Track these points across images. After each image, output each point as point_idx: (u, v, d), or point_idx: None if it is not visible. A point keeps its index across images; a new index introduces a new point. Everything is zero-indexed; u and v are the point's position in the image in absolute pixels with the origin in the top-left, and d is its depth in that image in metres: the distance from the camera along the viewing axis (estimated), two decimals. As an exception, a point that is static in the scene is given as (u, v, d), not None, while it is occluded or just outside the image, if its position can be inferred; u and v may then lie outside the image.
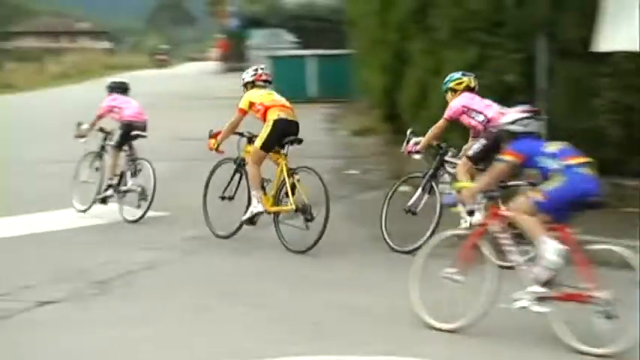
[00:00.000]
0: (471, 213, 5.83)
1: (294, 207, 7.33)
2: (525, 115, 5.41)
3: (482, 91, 7.19)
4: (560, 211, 5.11)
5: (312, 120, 19.35)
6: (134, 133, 9.30)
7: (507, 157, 5.28)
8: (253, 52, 31.05)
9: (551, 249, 4.98)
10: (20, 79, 43.29)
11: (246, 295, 5.94)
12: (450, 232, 5.56)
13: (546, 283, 4.97)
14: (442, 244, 5.44)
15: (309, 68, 24.30)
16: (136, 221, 8.41)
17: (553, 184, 5.11)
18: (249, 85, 8.66)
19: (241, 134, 8.17)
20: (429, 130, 7.30)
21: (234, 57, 50.10)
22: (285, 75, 24.42)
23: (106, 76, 48.68)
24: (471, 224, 5.96)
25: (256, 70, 8.93)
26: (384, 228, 7.38)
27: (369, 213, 8.82)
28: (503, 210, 5.37)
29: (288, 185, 7.60)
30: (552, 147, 5.29)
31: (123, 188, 8.79)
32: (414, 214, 7.21)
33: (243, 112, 8.34)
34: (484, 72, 8.04)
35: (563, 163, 5.16)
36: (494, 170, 5.43)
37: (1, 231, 8.16)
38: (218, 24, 68.70)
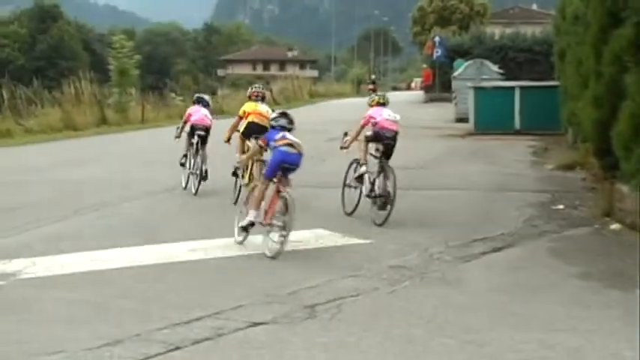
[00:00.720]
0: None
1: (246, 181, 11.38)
2: (277, 115, 9.21)
3: None
4: (275, 171, 8.63)
5: (517, 152, 19.14)
6: (197, 132, 12.98)
7: (259, 141, 9.25)
8: (458, 82, 30.92)
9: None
10: (231, 104, 45.32)
11: (453, 329, 5.88)
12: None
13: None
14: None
15: (515, 100, 23.93)
16: None
17: (269, 157, 8.93)
18: (248, 99, 12.67)
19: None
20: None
21: (439, 87, 50.23)
22: (489, 106, 24.31)
23: (310, 103, 50.20)
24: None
25: (252, 88, 12.93)
26: None
27: (577, 249, 8.60)
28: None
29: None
30: (277, 135, 8.78)
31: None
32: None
33: (240, 117, 12.37)
34: None
35: (274, 144, 8.69)
36: (252, 149, 10.05)
37: (217, 252, 8.55)
38: (422, 54, 69.07)
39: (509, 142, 21.93)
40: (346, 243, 9.00)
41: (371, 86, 70.78)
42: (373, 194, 10.52)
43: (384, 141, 10.87)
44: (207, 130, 13.07)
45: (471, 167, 16.44)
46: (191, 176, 12.96)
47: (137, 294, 6.86)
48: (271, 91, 54.13)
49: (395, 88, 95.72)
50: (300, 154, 8.73)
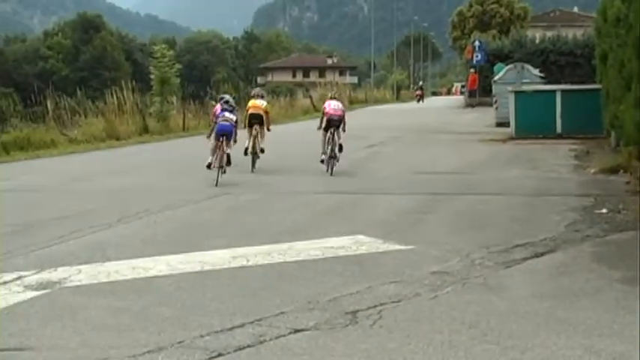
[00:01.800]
0: None
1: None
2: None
3: None
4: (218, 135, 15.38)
5: (559, 156, 19.02)
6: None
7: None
8: (498, 86, 30.77)
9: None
10: (271, 112, 45.46)
11: (496, 335, 5.85)
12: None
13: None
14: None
15: (556, 103, 23.77)
16: None
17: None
18: (251, 97, 19.10)
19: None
20: None
21: (479, 91, 49.98)
22: (530, 110, 24.18)
23: (350, 109, 50.40)
24: None
25: (253, 90, 19.62)
26: None
27: (621, 254, 8.50)
28: None
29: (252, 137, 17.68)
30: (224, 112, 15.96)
31: None
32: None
33: (246, 111, 18.38)
34: None
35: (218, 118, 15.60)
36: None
37: (258, 258, 8.59)
38: (462, 59, 68.78)
39: (550, 146, 21.79)
40: (387, 249, 8.99)
41: (419, 92, 74.40)
42: (326, 157, 16.80)
43: (332, 122, 17.03)
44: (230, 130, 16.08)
45: (512, 172, 16.36)
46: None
47: (178, 301, 6.91)
48: (311, 98, 54.32)
49: (435, 93, 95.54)
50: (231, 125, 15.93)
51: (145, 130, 31.50)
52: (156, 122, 33.00)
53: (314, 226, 10.55)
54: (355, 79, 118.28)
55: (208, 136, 16.41)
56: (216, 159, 15.31)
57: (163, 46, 36.79)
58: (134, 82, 34.42)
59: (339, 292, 7.08)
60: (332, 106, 17.25)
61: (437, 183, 14.76)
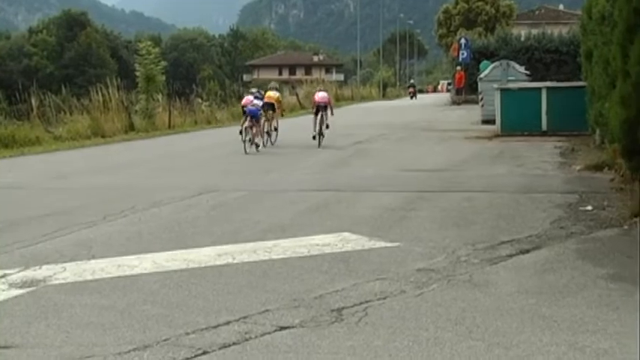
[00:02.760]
0: None
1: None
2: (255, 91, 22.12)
3: None
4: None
5: (544, 153, 19.07)
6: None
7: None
8: (484, 84, 30.85)
9: None
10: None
11: (481, 332, 5.86)
12: None
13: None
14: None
15: (542, 101, 23.85)
16: None
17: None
18: (268, 89, 24.72)
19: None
20: None
21: (465, 89, 50.10)
22: (516, 107, 24.25)
23: (336, 107, 50.34)
24: None
25: (269, 85, 25.24)
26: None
27: (606, 251, 8.53)
28: None
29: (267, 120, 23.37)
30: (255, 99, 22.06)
31: None
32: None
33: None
34: None
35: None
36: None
37: (244, 256, 8.58)
38: (448, 56, 68.90)
39: (536, 143, 21.87)
40: (373, 246, 8.99)
41: (411, 89, 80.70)
42: (316, 134, 22.91)
43: (319, 107, 23.33)
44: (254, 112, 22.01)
45: (497, 169, 16.39)
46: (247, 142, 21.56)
47: (164, 299, 6.90)
48: (297, 95, 54.32)
49: (421, 91, 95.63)
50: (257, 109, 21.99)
51: (131, 127, 31.43)
52: (141, 120, 32.94)
53: (300, 223, 10.54)
54: (341, 77, 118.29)
55: (242, 124, 22.48)
56: (247, 135, 21.68)
57: (149, 43, 36.69)
58: (119, 80, 34.29)
59: (324, 289, 7.08)
60: (319, 95, 24.24)
61: (423, 180, 14.78)
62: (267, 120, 23.46)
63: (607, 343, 5.56)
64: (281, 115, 25.01)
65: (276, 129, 24.18)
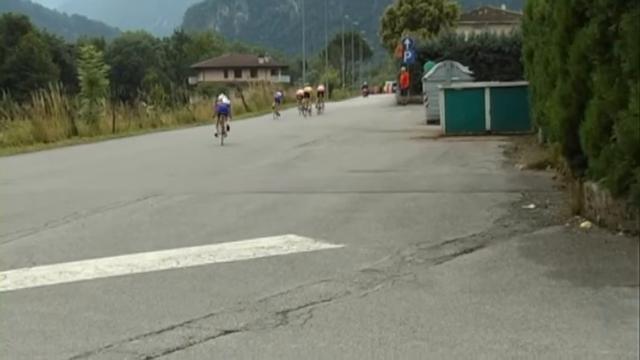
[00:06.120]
0: None
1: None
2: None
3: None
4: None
5: (488, 153, 19.28)
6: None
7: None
8: (428, 84, 31.08)
9: None
10: (203, 112, 45.27)
11: (425, 331, 5.89)
12: None
13: None
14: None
15: (485, 100, 24.10)
16: None
17: None
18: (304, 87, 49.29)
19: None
20: None
21: (410, 89, 50.41)
22: (460, 107, 24.48)
23: (282, 109, 50.22)
24: None
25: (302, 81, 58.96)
26: None
27: (548, 248, 8.64)
28: None
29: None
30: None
31: None
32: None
33: None
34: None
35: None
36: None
37: (188, 260, 8.52)
38: (393, 57, 69.27)
39: (480, 142, 22.08)
40: (318, 248, 8.98)
41: (364, 89, 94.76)
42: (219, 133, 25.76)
43: (220, 111, 26.76)
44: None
45: (442, 169, 16.51)
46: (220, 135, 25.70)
47: (107, 305, 6.81)
48: (243, 97, 54.15)
49: (367, 92, 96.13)
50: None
51: (74, 132, 31.07)
52: (85, 124, 32.58)
53: (245, 226, 10.50)
54: (287, 79, 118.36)
55: (213, 117, 28.87)
56: (219, 128, 26.14)
57: (91, 46, 36.35)
58: (62, 84, 33.86)
59: (269, 292, 7.06)
60: (224, 101, 27.97)
61: (368, 181, 14.83)
62: (303, 104, 47.39)
63: (548, 340, 5.62)
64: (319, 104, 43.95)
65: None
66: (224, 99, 28.29)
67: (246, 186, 14.57)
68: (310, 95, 49.80)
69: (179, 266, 8.28)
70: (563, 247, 8.61)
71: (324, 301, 6.75)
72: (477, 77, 34.04)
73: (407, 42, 51.49)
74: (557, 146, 13.20)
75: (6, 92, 37.92)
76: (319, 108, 49.36)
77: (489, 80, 32.63)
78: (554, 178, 13.71)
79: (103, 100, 34.95)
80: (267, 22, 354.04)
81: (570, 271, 7.54)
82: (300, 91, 50.65)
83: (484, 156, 18.66)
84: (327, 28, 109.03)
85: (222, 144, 25.11)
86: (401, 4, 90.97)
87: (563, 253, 8.36)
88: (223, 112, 26.89)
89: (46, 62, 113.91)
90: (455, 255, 8.44)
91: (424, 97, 32.33)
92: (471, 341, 5.65)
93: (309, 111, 47.04)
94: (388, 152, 21.02)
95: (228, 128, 26.23)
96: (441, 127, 25.70)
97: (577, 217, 10.01)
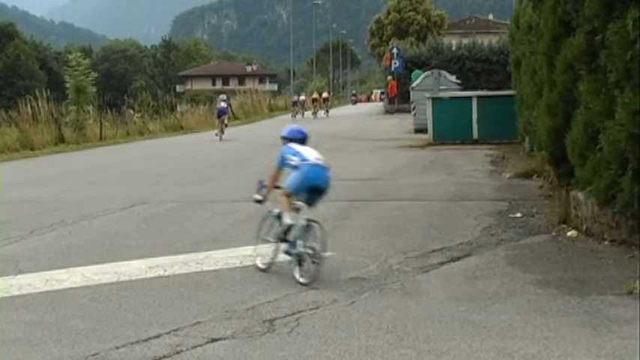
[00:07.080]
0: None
1: None
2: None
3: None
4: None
5: (475, 162, 19.31)
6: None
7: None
8: (416, 93, 31.13)
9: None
10: (190, 120, 45.22)
11: (412, 340, 5.89)
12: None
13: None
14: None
15: (472, 109, 24.15)
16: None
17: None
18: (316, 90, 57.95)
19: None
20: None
21: (398, 98, 50.51)
22: (447, 116, 24.52)
23: (270, 117, 50.27)
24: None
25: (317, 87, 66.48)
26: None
27: (535, 257, 8.66)
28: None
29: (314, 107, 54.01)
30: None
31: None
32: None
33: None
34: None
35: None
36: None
37: (175, 268, 8.51)
38: (381, 66, 69.45)
39: (467, 151, 22.12)
40: (306, 256, 8.96)
41: (353, 97, 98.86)
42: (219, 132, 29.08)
43: (220, 113, 32.78)
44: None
45: (429, 178, 16.54)
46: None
47: (93, 313, 6.80)
48: (230, 106, 54.17)
49: (355, 101, 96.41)
50: None
51: (61, 139, 30.95)
52: (72, 132, 32.46)
53: (232, 234, 10.49)
54: (275, 87, 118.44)
55: (216, 117, 33.43)
56: (219, 129, 31.39)
57: (79, 54, 36.24)
58: (49, 91, 33.79)
59: (256, 300, 7.06)
60: (222, 105, 33.39)
61: (355, 190, 14.82)
62: (315, 107, 53.66)
63: (535, 348, 5.63)
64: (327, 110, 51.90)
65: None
66: (222, 103, 33.79)
67: (234, 194, 14.54)
68: (318, 100, 55.74)
69: (166, 274, 8.27)
70: (549, 256, 8.65)
71: (311, 309, 6.76)
72: (465, 86, 34.14)
73: (395, 50, 51.58)
74: (543, 155, 13.24)
75: (-8, 99, 37.81)
76: (326, 112, 55.56)
77: (477, 89, 32.77)
78: (541, 187, 13.76)
79: (90, 108, 34.81)
80: (255, 31, 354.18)
81: (557, 280, 7.57)
82: (308, 97, 60.17)
83: (471, 165, 18.69)
84: (314, 37, 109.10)
85: (220, 140, 30.53)
86: (389, 13, 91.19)
87: (549, 261, 8.39)
88: (222, 114, 32.80)
89: (33, 69, 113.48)
90: (442, 263, 8.46)
91: (412, 106, 32.38)
92: (457, 349, 5.67)
93: (315, 114, 53.65)
94: (376, 161, 21.03)
95: (226, 125, 32.30)
96: (428, 136, 25.73)
97: (563, 226, 10.05)
